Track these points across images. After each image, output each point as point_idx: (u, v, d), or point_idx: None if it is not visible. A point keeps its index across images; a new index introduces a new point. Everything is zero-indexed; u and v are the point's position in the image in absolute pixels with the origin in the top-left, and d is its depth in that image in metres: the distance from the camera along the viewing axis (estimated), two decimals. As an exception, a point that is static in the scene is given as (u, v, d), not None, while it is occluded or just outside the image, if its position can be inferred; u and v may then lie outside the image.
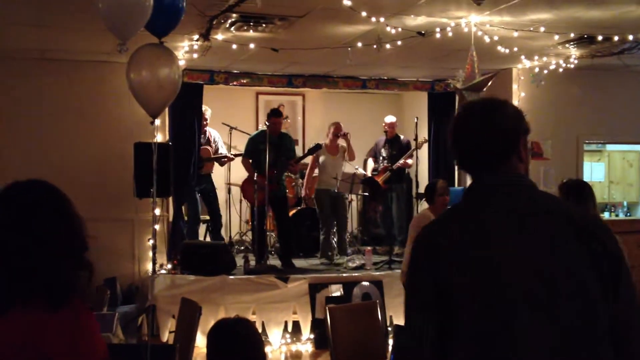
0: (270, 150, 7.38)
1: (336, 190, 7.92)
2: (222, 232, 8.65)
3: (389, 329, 6.38)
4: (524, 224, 1.71)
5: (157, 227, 7.19)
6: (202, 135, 8.17)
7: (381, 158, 8.61)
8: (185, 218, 8.14)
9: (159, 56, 3.61)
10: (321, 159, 8.11)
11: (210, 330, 2.48)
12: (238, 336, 2.38)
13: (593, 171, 11.15)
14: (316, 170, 8.37)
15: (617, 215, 10.77)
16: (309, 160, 8.40)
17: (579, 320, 1.64)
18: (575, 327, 1.63)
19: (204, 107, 8.16)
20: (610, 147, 11.14)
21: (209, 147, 8.24)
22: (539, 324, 1.63)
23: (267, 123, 7.57)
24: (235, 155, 8.26)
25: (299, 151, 8.89)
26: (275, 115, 7.69)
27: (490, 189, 1.80)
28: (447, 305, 1.68)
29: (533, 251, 1.68)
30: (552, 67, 7.47)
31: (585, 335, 1.64)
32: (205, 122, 8.19)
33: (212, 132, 8.37)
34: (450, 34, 5.76)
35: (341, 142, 8.20)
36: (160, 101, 3.61)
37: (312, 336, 6.91)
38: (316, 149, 7.84)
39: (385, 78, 8.95)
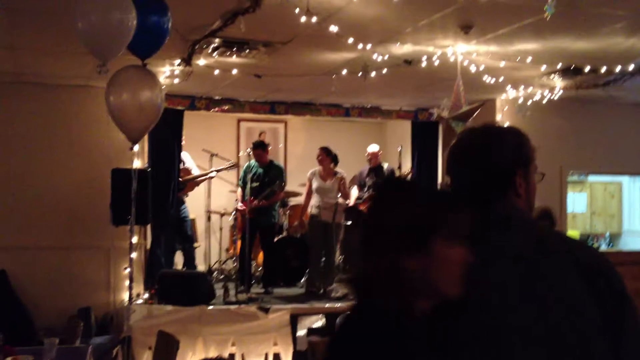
0: (255, 180, 7.55)
1: (322, 219, 7.77)
2: (202, 260, 8.51)
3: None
4: (520, 263, 1.60)
5: (134, 255, 7.02)
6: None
7: (366, 187, 8.51)
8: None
9: (141, 79, 3.46)
10: (314, 185, 7.94)
11: None
12: None
13: (575, 202, 11.17)
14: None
15: (599, 247, 10.76)
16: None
17: None
18: None
19: None
20: (591, 177, 11.19)
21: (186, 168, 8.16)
22: None
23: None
24: (217, 171, 8.20)
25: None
26: (255, 147, 7.80)
27: (484, 226, 1.67)
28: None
29: (530, 291, 1.57)
30: (537, 97, 7.44)
31: None
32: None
33: (182, 154, 8.24)
34: (436, 63, 5.70)
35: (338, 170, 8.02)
36: (141, 126, 3.46)
37: (293, 369, 6.71)
38: (280, 187, 7.81)
39: (369, 106, 8.89)
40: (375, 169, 8.54)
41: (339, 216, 7.79)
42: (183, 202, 8.10)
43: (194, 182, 8.19)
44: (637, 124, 8.45)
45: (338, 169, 8.01)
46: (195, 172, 8.27)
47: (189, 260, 8.09)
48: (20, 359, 4.26)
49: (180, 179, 7.99)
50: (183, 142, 8.12)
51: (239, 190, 8.03)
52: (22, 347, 4.58)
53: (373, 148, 8.61)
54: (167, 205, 7.67)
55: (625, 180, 11.56)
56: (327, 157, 7.88)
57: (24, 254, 7.13)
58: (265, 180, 7.67)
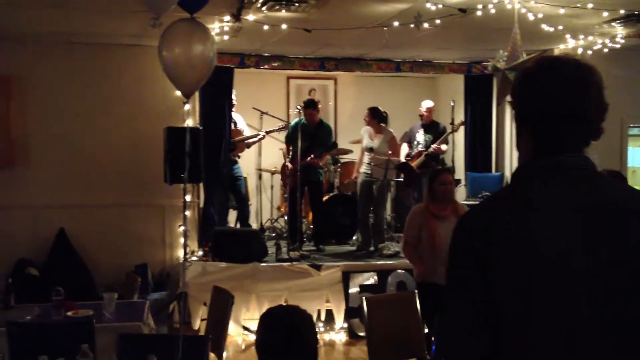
0: (305, 139, 7.49)
1: (371, 176, 7.70)
2: (253, 218, 8.58)
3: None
4: (587, 217, 1.48)
5: (187, 213, 7.10)
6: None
7: (416, 143, 8.37)
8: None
9: (193, 32, 3.41)
10: (364, 143, 7.90)
11: (263, 315, 2.28)
12: (293, 324, 2.17)
13: (635, 156, 10.77)
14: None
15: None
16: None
17: None
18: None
19: None
20: (654, 131, 10.75)
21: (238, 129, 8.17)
22: (594, 336, 1.43)
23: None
24: (267, 132, 8.20)
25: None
26: (307, 106, 7.74)
27: (551, 171, 1.54)
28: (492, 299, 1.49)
29: (595, 249, 1.46)
30: (597, 47, 7.13)
31: None
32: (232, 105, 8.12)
33: (234, 115, 8.24)
34: (492, 11, 5.48)
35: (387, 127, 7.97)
36: (194, 80, 3.42)
37: (345, 325, 6.75)
38: (333, 147, 7.84)
39: (420, 60, 8.68)
40: (428, 125, 8.39)
41: (390, 173, 7.70)
42: (236, 162, 8.14)
43: (244, 144, 8.19)
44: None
45: (387, 127, 7.94)
46: (247, 133, 8.27)
47: (243, 218, 8.15)
48: (81, 313, 4.38)
49: (232, 140, 8.01)
50: (235, 104, 8.11)
51: (285, 146, 8.03)
52: (82, 302, 4.71)
53: (428, 104, 8.45)
54: (219, 163, 7.71)
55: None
56: (373, 119, 7.81)
57: (81, 212, 7.29)
58: (315, 139, 7.63)
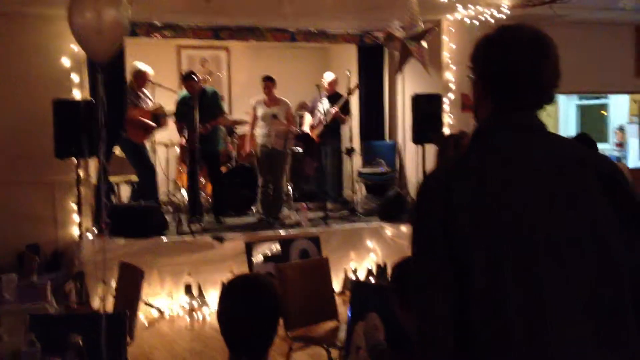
0: (192, 110, 7.30)
1: (270, 147, 7.69)
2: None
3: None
4: (548, 174, 1.58)
5: (81, 189, 6.81)
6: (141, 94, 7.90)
7: (318, 113, 8.41)
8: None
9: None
10: (259, 113, 7.84)
11: (226, 287, 2.23)
12: (254, 294, 2.13)
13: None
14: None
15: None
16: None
17: (602, 280, 1.53)
18: (598, 286, 1.53)
19: (144, 66, 7.76)
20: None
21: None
22: (558, 285, 1.51)
23: None
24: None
25: (225, 107, 8.64)
26: (185, 79, 7.60)
27: (510, 129, 1.63)
28: (459, 258, 1.53)
29: (552, 203, 1.55)
30: (484, 17, 7.43)
31: (609, 297, 1.54)
32: (147, 82, 7.87)
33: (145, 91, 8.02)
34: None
35: (283, 97, 7.93)
36: (106, 46, 3.26)
37: (250, 296, 6.74)
38: (219, 113, 7.74)
39: (315, 30, 8.68)
40: (331, 96, 8.45)
41: (289, 143, 7.73)
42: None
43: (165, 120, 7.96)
44: (578, 42, 8.57)
45: (283, 97, 7.92)
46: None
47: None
48: (-21, 297, 4.13)
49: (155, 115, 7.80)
50: (150, 79, 7.90)
51: (176, 124, 7.84)
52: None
53: (330, 76, 8.55)
54: (113, 137, 7.39)
55: (561, 98, 11.83)
56: (273, 83, 7.80)
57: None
58: (201, 108, 7.47)
